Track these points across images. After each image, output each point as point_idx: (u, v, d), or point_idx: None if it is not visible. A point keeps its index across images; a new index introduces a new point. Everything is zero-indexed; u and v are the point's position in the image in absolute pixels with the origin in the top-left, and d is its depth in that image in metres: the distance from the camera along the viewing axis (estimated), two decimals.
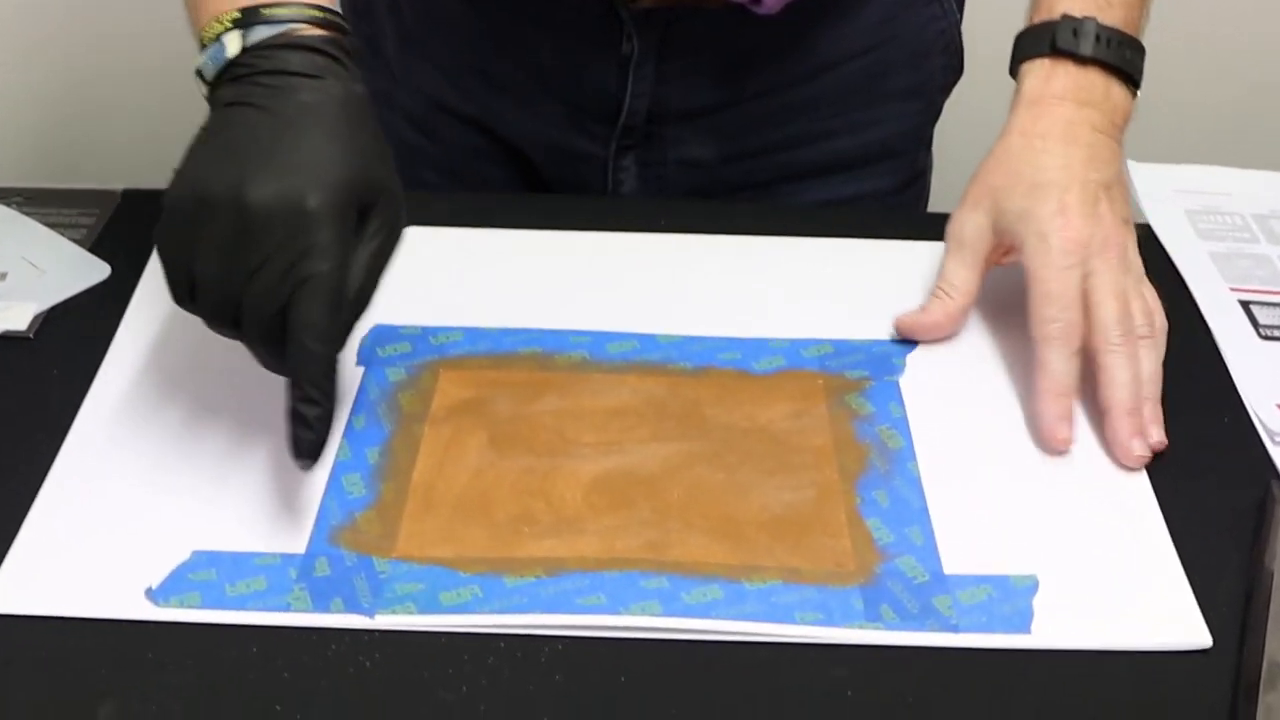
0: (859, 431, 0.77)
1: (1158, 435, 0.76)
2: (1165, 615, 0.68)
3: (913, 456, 0.75)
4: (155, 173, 0.96)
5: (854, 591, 0.68)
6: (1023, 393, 0.80)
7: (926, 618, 0.67)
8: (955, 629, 0.66)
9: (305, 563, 0.68)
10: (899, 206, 1.08)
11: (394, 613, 0.66)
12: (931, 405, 0.79)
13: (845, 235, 0.93)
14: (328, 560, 0.69)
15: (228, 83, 0.71)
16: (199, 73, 0.73)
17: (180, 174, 0.70)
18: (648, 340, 0.83)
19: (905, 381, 0.81)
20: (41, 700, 0.63)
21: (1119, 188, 0.83)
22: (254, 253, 0.66)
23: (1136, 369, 0.77)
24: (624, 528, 0.71)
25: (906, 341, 0.83)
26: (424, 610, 0.66)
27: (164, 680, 0.63)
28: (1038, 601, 0.68)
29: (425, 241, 0.89)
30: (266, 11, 0.72)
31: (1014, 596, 0.68)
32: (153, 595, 0.67)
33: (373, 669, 0.64)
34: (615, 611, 0.66)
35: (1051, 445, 0.76)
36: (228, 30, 0.72)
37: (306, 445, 0.68)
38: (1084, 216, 0.79)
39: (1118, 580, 0.69)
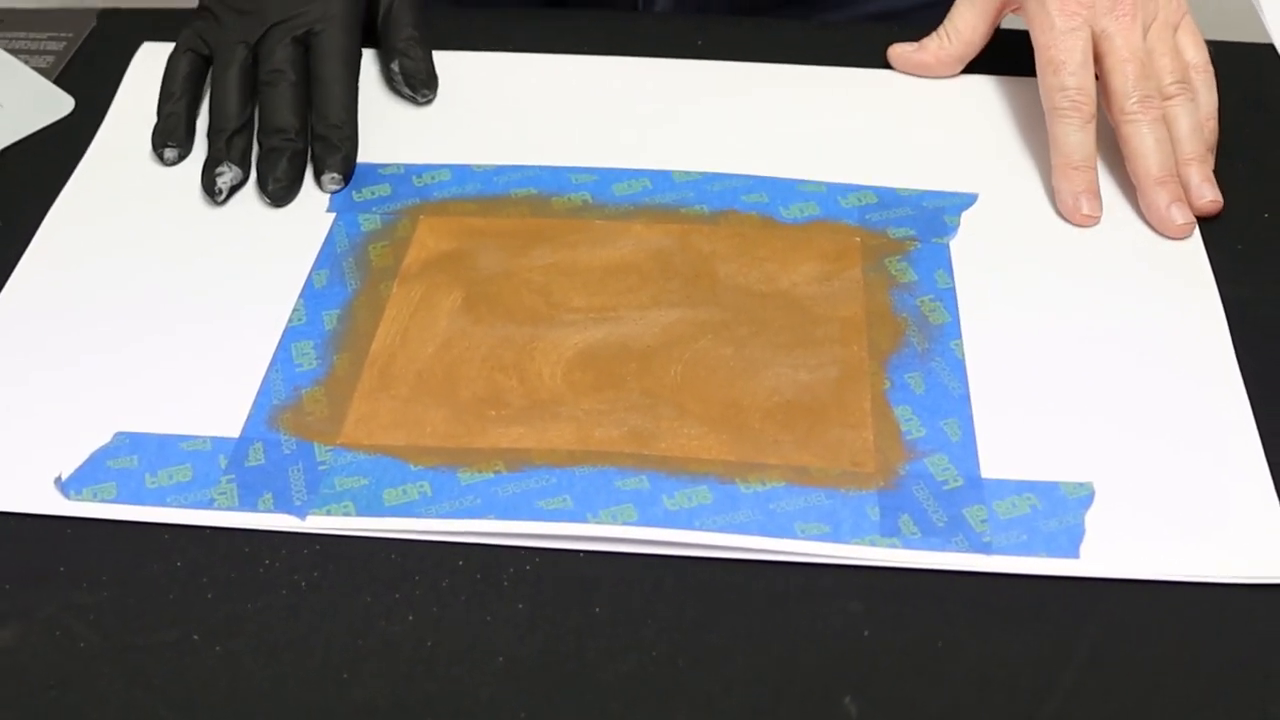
0: (897, 302, 0.64)
1: (1209, 194, 0.68)
2: (1249, 540, 0.55)
3: (958, 334, 0.63)
4: None
5: (869, 497, 0.56)
6: (1096, 268, 0.67)
7: (953, 533, 0.55)
8: (987, 549, 0.55)
9: (238, 449, 0.59)
10: None
11: (329, 513, 0.57)
12: (986, 275, 0.66)
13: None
14: (263, 446, 0.59)
15: None
16: None
17: None
18: (661, 178, 0.71)
19: (957, 245, 0.68)
20: None
21: None
22: (277, 9, 0.74)
23: (1162, 133, 0.69)
24: (606, 413, 0.60)
25: (961, 195, 0.70)
26: (363, 511, 0.57)
27: (73, 600, 0.55)
28: (1091, 517, 0.56)
29: None
30: None
31: (1062, 509, 0.56)
32: (63, 486, 0.58)
33: (308, 591, 0.55)
34: (581, 518, 0.56)
35: (1075, 220, 0.69)
36: None
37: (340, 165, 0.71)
38: None
39: (1192, 495, 0.57)
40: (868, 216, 0.69)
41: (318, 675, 0.52)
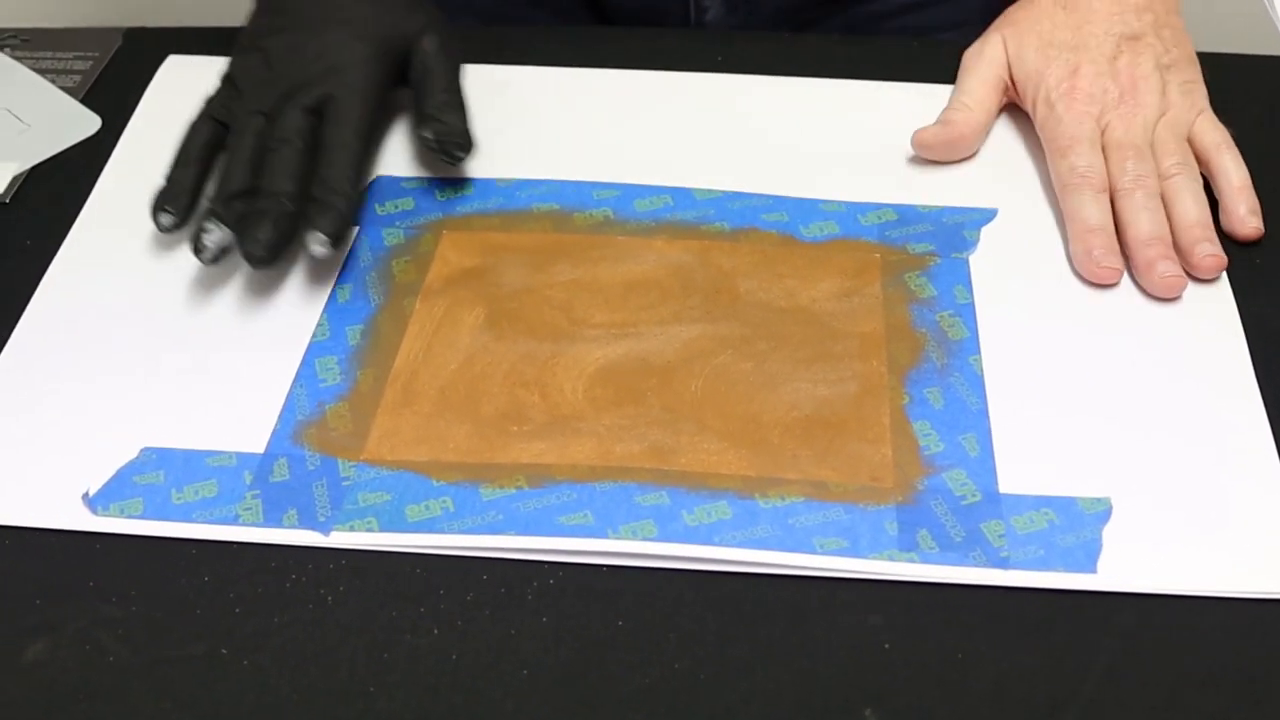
0: (916, 317, 0.65)
1: (1209, 250, 0.67)
2: (1267, 554, 0.56)
3: (976, 349, 0.63)
4: (163, 10, 0.87)
5: (888, 512, 0.57)
6: (1114, 284, 0.67)
7: (971, 548, 0.56)
8: (1005, 564, 0.55)
9: (263, 465, 0.60)
10: None
11: (352, 529, 0.57)
12: (1005, 290, 0.67)
13: (929, 68, 0.80)
14: (288, 462, 0.60)
15: None
16: None
17: (237, 46, 0.75)
18: (682, 195, 0.72)
19: (976, 260, 0.68)
20: None
21: (1152, 37, 0.74)
22: (295, 72, 0.71)
23: (1156, 205, 0.69)
24: (627, 428, 0.60)
25: (981, 210, 0.71)
26: (386, 527, 0.57)
27: (102, 614, 0.55)
28: (1108, 532, 0.56)
29: None
30: None
31: (1080, 524, 0.56)
32: (90, 502, 0.59)
33: (334, 605, 0.55)
34: (602, 534, 0.56)
35: (1095, 277, 0.67)
36: None
37: (330, 225, 0.67)
38: (1095, 75, 0.73)
39: (1210, 509, 0.57)
40: (888, 233, 0.69)
41: (344, 689, 0.53)
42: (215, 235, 0.66)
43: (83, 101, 0.79)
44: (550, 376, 0.63)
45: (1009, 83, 0.76)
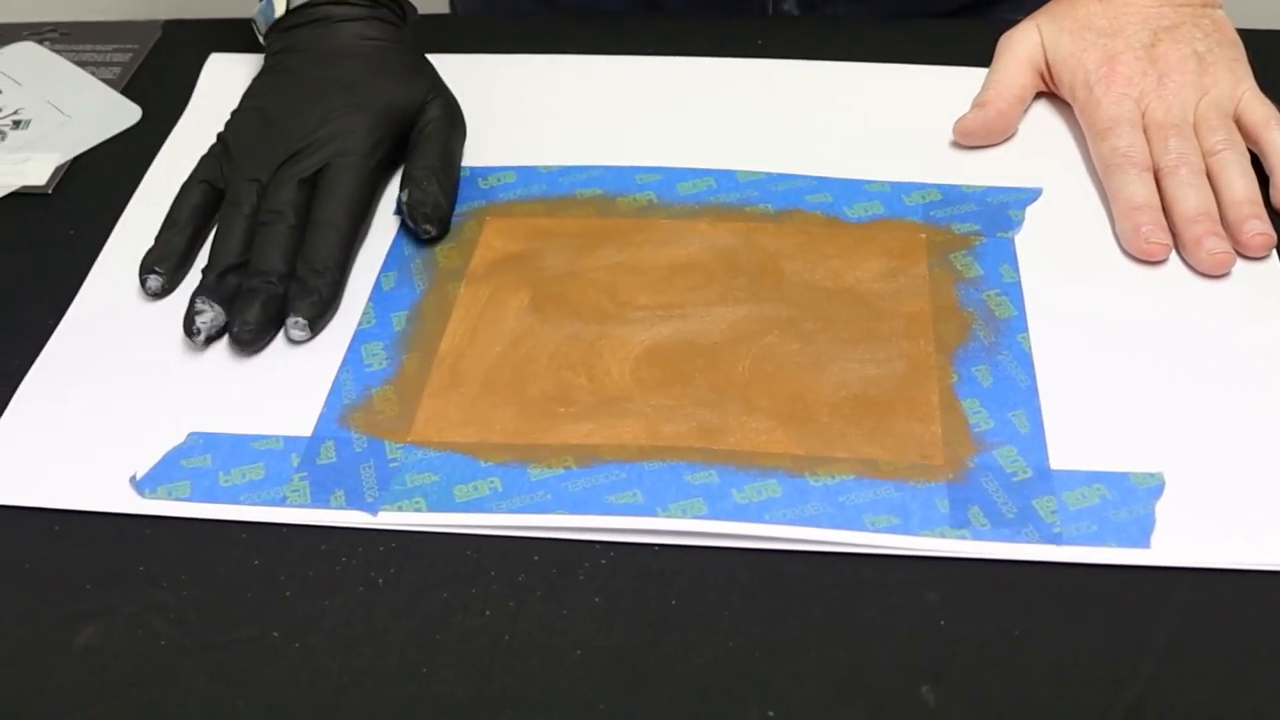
0: (963, 297, 0.65)
1: (1260, 228, 0.66)
2: None
3: (1024, 328, 0.63)
4: (200, 2, 0.88)
5: (939, 490, 0.56)
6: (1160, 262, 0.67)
7: (1024, 524, 0.55)
8: (1058, 540, 0.55)
9: (310, 447, 0.60)
10: None
11: (400, 509, 0.57)
12: (1051, 269, 0.66)
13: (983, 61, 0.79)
14: (334, 445, 0.60)
15: (278, 33, 0.75)
16: (253, 23, 0.77)
17: (237, 107, 0.74)
18: (725, 178, 0.71)
19: (1021, 239, 0.68)
20: (15, 617, 0.55)
21: (1189, 26, 0.74)
22: (293, 138, 0.70)
23: (1201, 182, 0.69)
24: (675, 409, 0.60)
25: (1025, 190, 0.70)
26: (434, 507, 0.57)
27: (153, 598, 0.55)
28: (1161, 507, 0.56)
29: (482, 70, 0.79)
30: None
31: (1132, 499, 0.56)
32: (138, 485, 0.59)
33: (385, 588, 0.55)
34: (652, 512, 0.56)
35: (1144, 254, 0.67)
36: None
37: (309, 309, 0.65)
38: (1134, 60, 0.73)
39: (1261, 484, 0.56)
40: (932, 213, 0.69)
41: (397, 670, 0.53)
42: (207, 315, 0.65)
43: (123, 92, 0.79)
44: (596, 358, 0.63)
45: (1044, 68, 0.76)
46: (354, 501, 0.58)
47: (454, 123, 0.73)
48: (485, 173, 0.73)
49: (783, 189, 0.70)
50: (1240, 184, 0.67)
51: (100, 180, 0.75)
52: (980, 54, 0.78)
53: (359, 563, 0.56)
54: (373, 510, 0.57)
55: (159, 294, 0.68)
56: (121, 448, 0.61)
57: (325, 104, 0.70)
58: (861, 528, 0.55)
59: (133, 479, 0.59)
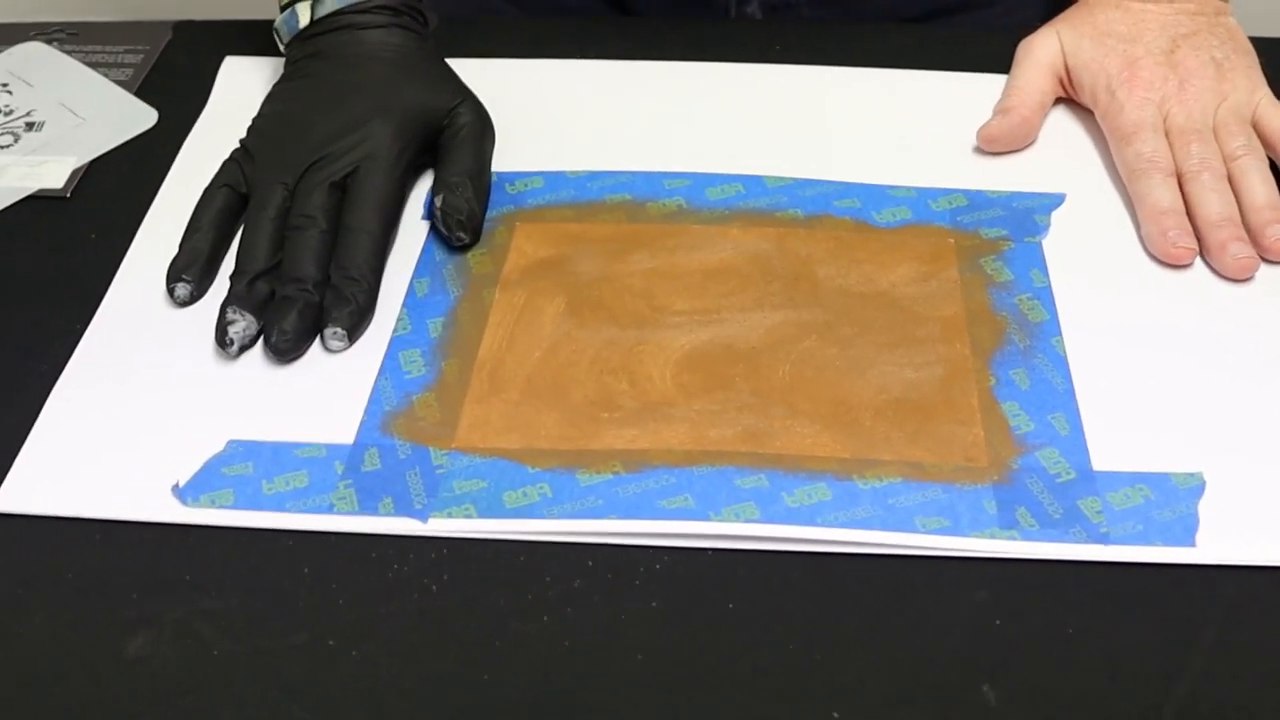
0: (995, 301, 0.65)
1: (1278, 232, 0.67)
2: None
3: (1057, 331, 0.64)
4: (214, 2, 0.87)
5: (985, 491, 0.57)
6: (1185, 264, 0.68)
7: (1071, 524, 0.56)
8: (1105, 539, 0.56)
9: (353, 455, 0.60)
10: None
11: (450, 516, 0.57)
12: (1079, 272, 0.67)
13: (982, 58, 0.80)
14: (378, 452, 0.60)
15: (300, 41, 0.75)
16: (275, 31, 0.77)
17: (259, 113, 0.74)
18: (754, 183, 0.72)
19: (1049, 244, 0.69)
20: (62, 628, 0.55)
21: (1205, 34, 0.76)
22: (320, 143, 0.70)
23: (1223, 187, 0.70)
24: (719, 413, 0.61)
25: (1050, 195, 0.71)
26: (485, 513, 0.57)
27: (202, 607, 0.55)
28: (1204, 506, 0.57)
29: (503, 75, 0.79)
30: None
31: (1175, 500, 0.57)
32: (180, 493, 0.59)
33: (440, 594, 0.55)
34: (705, 516, 0.57)
35: (1170, 258, 0.68)
36: (299, 0, 0.75)
37: (346, 319, 0.65)
38: (1154, 65, 0.74)
39: None
40: (959, 218, 0.70)
41: (456, 676, 0.53)
42: (240, 325, 0.64)
43: (136, 94, 0.79)
44: (637, 363, 0.63)
45: (1063, 74, 0.77)
46: (402, 508, 0.58)
47: (485, 129, 0.73)
48: (512, 178, 0.73)
49: (811, 194, 0.71)
50: (1261, 189, 0.69)
51: (118, 184, 0.75)
52: (987, 62, 0.80)
53: (411, 569, 0.56)
54: (423, 517, 0.58)
55: (187, 301, 0.67)
56: (160, 456, 0.60)
57: (351, 108, 0.70)
58: (913, 529, 0.56)
59: (175, 487, 0.59)
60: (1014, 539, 0.56)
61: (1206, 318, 0.65)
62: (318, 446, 0.60)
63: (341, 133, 0.69)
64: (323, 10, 0.74)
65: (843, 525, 0.56)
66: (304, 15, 0.74)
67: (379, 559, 0.57)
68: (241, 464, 0.60)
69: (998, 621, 0.54)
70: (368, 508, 0.58)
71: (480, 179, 0.71)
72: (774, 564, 0.56)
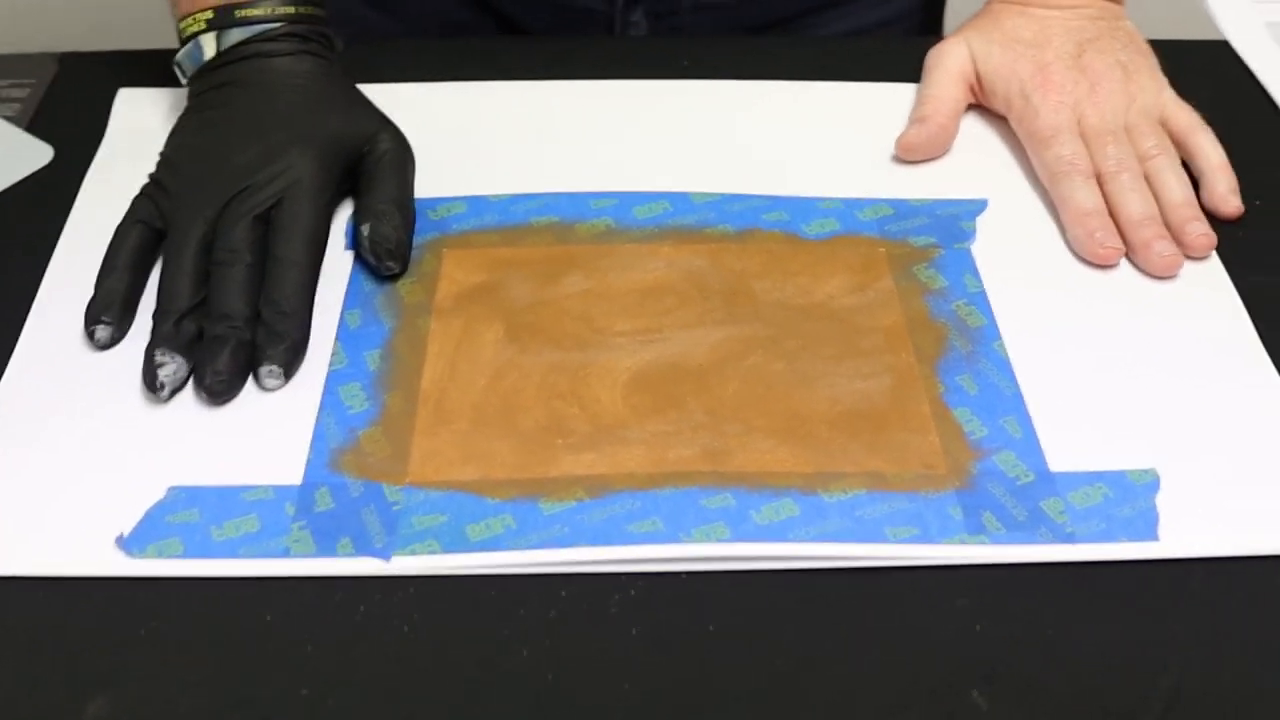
0: (933, 308, 0.66)
1: (1200, 230, 0.70)
2: None
3: (997, 335, 0.65)
4: (98, 33, 0.84)
5: (949, 498, 0.58)
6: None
7: (1037, 526, 0.57)
8: (1071, 539, 0.57)
9: (303, 495, 0.58)
10: (925, 30, 0.97)
11: (413, 553, 0.56)
12: (1010, 275, 0.68)
13: (886, 67, 0.81)
14: (329, 491, 0.58)
15: (206, 73, 0.73)
16: (177, 65, 0.74)
17: (167, 145, 0.71)
18: (680, 200, 0.72)
19: (977, 249, 0.70)
20: (20, 693, 0.52)
21: (1108, 38, 0.78)
22: (239, 175, 0.67)
23: (1142, 186, 0.72)
24: (674, 434, 0.60)
25: (973, 201, 0.73)
26: (449, 549, 0.56)
27: (165, 664, 0.53)
28: (1161, 501, 0.58)
29: (414, 99, 0.78)
30: (240, 13, 0.72)
31: (1133, 496, 0.58)
32: (125, 544, 0.56)
33: (413, 635, 0.54)
34: (675, 539, 0.56)
35: (1098, 258, 0.69)
36: (203, 31, 0.72)
37: (282, 356, 0.63)
38: (1065, 69, 0.76)
39: (1250, 470, 0.59)
40: (887, 227, 0.70)
41: (446, 716, 0.51)
42: (170, 367, 0.62)
43: (28, 131, 0.75)
44: (585, 387, 0.62)
45: (974, 80, 0.78)
46: (363, 548, 0.56)
47: (406, 155, 0.71)
48: (434, 204, 0.72)
49: (739, 209, 0.71)
50: (1177, 188, 0.71)
51: (17, 225, 0.71)
52: (893, 72, 0.81)
53: (379, 611, 0.55)
54: (385, 555, 0.56)
55: (108, 344, 0.65)
56: (99, 507, 0.58)
57: (270, 137, 0.68)
58: (885, 540, 0.56)
59: (119, 539, 0.57)
60: (983, 543, 0.56)
61: (1137, 315, 0.66)
62: (265, 489, 0.58)
63: (262, 163, 0.67)
64: (229, 41, 0.71)
65: (815, 539, 0.56)
66: (209, 47, 0.72)
67: (344, 602, 0.55)
68: (186, 511, 0.58)
69: (978, 627, 0.54)
70: (326, 549, 0.56)
71: (406, 206, 0.69)
72: (749, 583, 0.56)
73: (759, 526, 0.56)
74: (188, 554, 0.56)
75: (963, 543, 0.56)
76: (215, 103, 0.71)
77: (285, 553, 0.56)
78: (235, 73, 0.71)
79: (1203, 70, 0.81)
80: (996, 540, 0.56)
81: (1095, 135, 0.73)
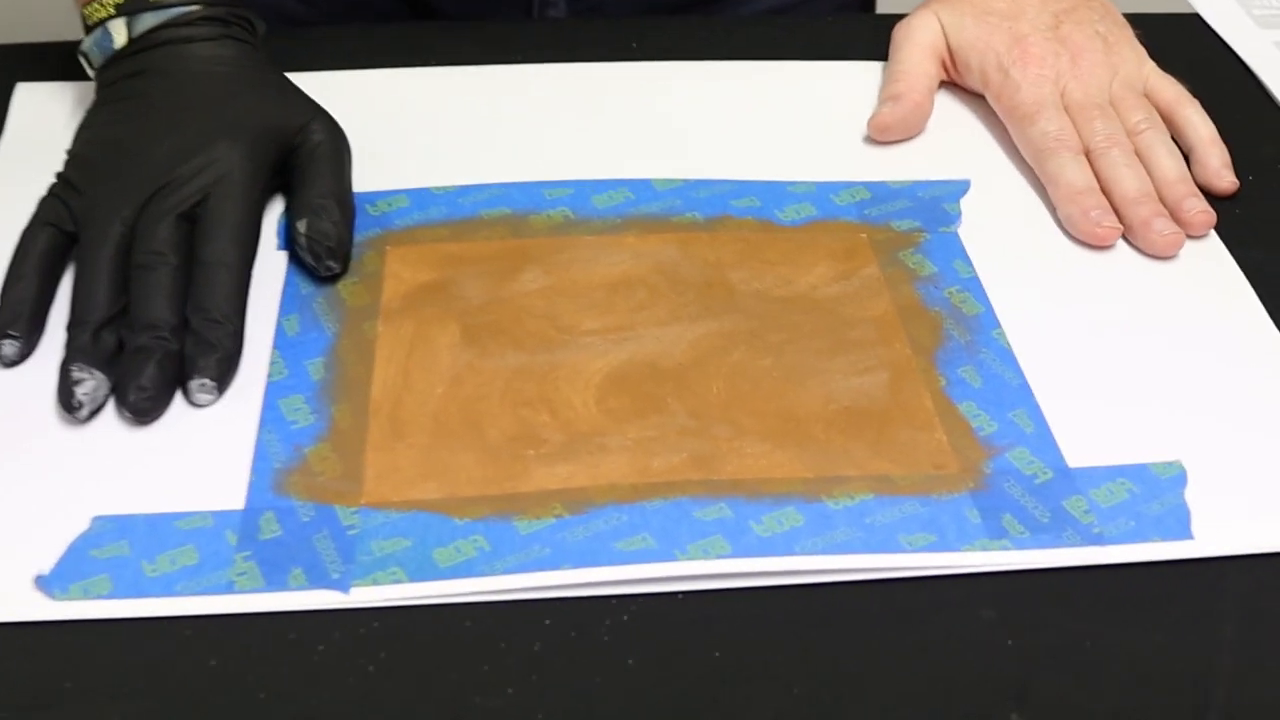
0: (925, 296, 0.61)
1: (1198, 206, 0.66)
2: None
3: (996, 323, 0.60)
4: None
5: (964, 500, 0.53)
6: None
7: (1062, 528, 0.52)
8: (1100, 540, 0.52)
9: (246, 521, 0.52)
10: (848, 9, 0.93)
11: (375, 583, 0.50)
12: (1002, 259, 0.64)
13: (824, 45, 0.77)
14: (275, 516, 0.52)
15: (117, 62, 0.66)
16: (83, 55, 0.68)
17: (76, 141, 0.65)
18: (641, 187, 0.66)
19: (964, 232, 0.65)
20: None
21: (1084, 9, 0.74)
22: (158, 171, 0.61)
23: (1134, 161, 0.68)
24: (658, 440, 0.55)
25: (955, 182, 0.68)
26: (416, 576, 0.50)
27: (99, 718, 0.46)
28: (1190, 495, 0.53)
29: (345, 87, 0.72)
30: None
31: (1161, 491, 0.54)
32: (45, 584, 0.49)
33: (381, 675, 0.47)
34: (670, 556, 0.50)
35: (1096, 239, 0.65)
36: (112, 17, 0.66)
37: (214, 368, 0.57)
38: (1044, 41, 0.72)
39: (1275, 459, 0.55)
40: (866, 212, 0.65)
41: None
42: (88, 385, 0.56)
43: None
44: (554, 391, 0.57)
45: (946, 55, 0.74)
46: (317, 579, 0.50)
47: (341, 146, 0.65)
48: (373, 198, 0.65)
49: (705, 195, 0.66)
50: (1170, 163, 0.67)
51: None
52: (852, 50, 0.76)
53: (340, 650, 0.48)
54: (343, 587, 0.50)
55: (15, 360, 0.58)
56: (13, 543, 0.51)
57: (192, 129, 0.62)
58: (899, 549, 0.51)
59: (38, 579, 0.50)
60: (1006, 549, 0.51)
61: (1139, 297, 0.62)
62: (202, 515, 0.52)
63: (184, 156, 0.60)
64: (141, 26, 0.65)
65: (823, 551, 0.51)
66: (119, 34, 0.65)
67: (299, 640, 0.49)
68: (114, 544, 0.51)
69: (1010, 641, 0.49)
70: (275, 582, 0.50)
71: (345, 201, 0.63)
72: (754, 602, 0.50)
73: (761, 539, 0.51)
74: (117, 593, 0.49)
75: (984, 549, 0.51)
76: (129, 93, 0.65)
77: (229, 587, 0.50)
78: (150, 60, 0.65)
79: (1176, 44, 0.77)
80: (1020, 545, 0.51)
81: (1080, 109, 0.69)
